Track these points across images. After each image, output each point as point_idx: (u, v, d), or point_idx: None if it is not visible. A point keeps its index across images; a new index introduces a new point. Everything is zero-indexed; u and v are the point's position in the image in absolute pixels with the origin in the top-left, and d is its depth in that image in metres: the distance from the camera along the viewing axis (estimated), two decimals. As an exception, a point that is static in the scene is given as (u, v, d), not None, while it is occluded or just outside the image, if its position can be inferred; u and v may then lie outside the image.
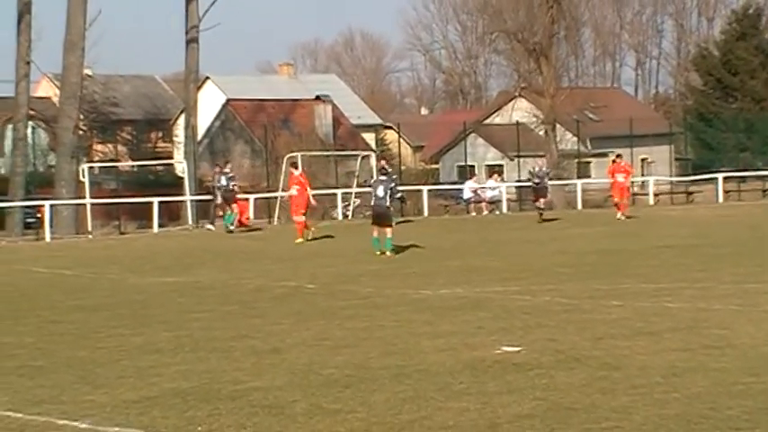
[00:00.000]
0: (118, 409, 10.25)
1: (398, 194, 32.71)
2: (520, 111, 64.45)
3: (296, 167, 38.32)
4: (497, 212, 47.90)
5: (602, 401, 9.98)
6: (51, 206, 40.94)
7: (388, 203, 26.42)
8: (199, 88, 57.40)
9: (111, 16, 69.42)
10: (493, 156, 72.50)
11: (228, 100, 72.30)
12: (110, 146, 73.36)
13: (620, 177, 39.81)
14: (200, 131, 61.84)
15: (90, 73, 62.39)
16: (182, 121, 61.09)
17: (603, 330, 14.10)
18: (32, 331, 15.86)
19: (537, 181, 39.22)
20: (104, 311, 18.07)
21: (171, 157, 68.54)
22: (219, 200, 38.79)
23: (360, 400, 10.37)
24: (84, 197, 42.34)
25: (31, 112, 49.88)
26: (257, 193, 46.91)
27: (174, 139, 73.44)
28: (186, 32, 49.31)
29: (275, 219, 45.73)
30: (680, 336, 13.51)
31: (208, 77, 77.92)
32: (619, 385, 10.65)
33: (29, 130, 47.84)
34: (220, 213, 39.74)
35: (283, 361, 12.64)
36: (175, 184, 50.94)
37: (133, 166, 65.32)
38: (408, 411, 9.83)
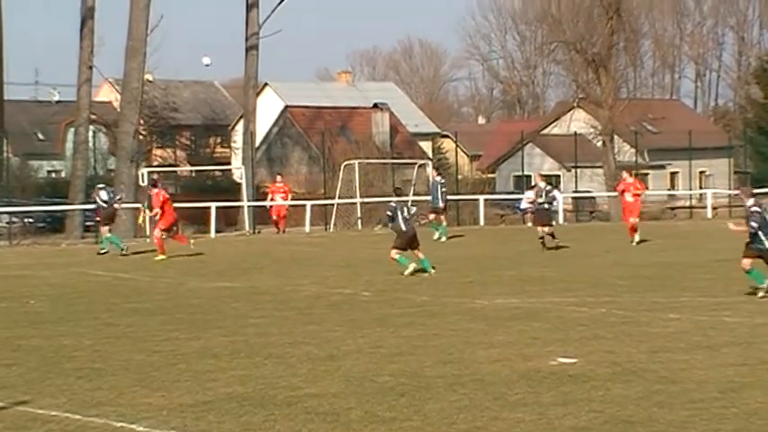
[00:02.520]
0: (174, 413, 10.31)
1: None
2: (578, 121, 64.14)
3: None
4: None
5: (659, 415, 9.91)
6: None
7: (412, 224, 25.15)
8: (258, 94, 57.64)
9: (173, 22, 70.29)
10: (549, 166, 72.20)
11: (287, 106, 72.57)
12: (169, 151, 73.88)
13: (628, 197, 33.87)
14: (258, 137, 62.10)
15: (150, 78, 62.88)
16: (240, 126, 61.37)
17: (660, 344, 14.01)
18: (91, 333, 16.01)
19: (541, 201, 31.86)
20: (161, 315, 18.19)
21: (229, 163, 68.88)
22: None
23: (415, 408, 10.36)
24: (143, 201, 42.62)
25: (93, 117, 50.32)
26: (314, 199, 47.04)
27: (232, 144, 73.80)
28: (246, 39, 49.56)
29: (331, 226, 45.82)
30: (738, 350, 13.38)
31: (267, 84, 78.28)
32: (676, 399, 10.57)
33: (90, 134, 48.21)
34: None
35: (339, 368, 12.66)
36: (233, 190, 51.17)
37: (191, 171, 65.73)
38: (463, 421, 9.81)
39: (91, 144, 48.82)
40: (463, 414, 10.06)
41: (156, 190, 31.12)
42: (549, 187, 32.74)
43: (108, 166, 67.05)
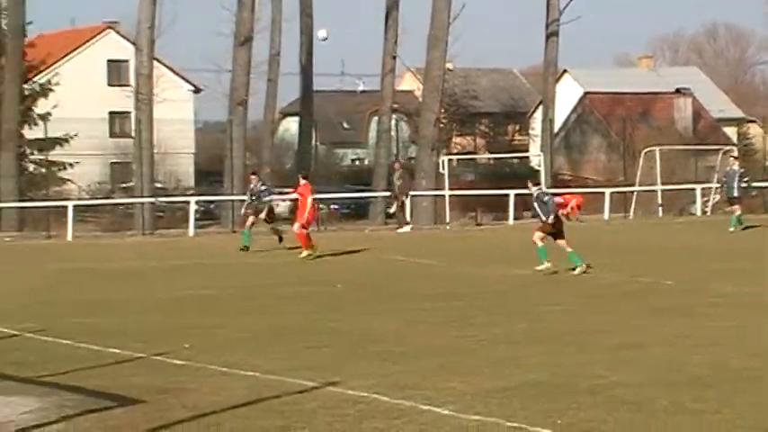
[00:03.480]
0: (478, 398, 10.46)
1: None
2: None
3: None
4: None
5: None
6: (412, 196, 42.10)
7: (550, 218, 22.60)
8: (557, 81, 57.40)
9: (473, 10, 71.07)
10: None
11: (586, 93, 71.97)
12: (468, 138, 74.65)
13: None
14: (557, 124, 61.82)
15: (451, 67, 63.63)
16: (538, 113, 61.32)
17: None
18: (395, 318, 16.40)
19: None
20: (461, 301, 18.44)
21: (527, 150, 68.93)
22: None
23: (724, 400, 10.13)
24: (442, 189, 43.30)
25: (395, 106, 51.40)
26: (614, 187, 46.57)
27: (531, 132, 73.80)
28: (547, 26, 49.44)
29: (631, 213, 45.24)
30: None
31: (565, 71, 77.70)
32: None
33: (392, 123, 49.36)
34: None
35: (642, 357, 12.52)
36: (531, 177, 51.16)
37: (490, 159, 66.18)
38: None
39: (393, 133, 49.92)
40: (774, 410, 9.76)
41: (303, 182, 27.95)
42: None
43: (409, 153, 68.36)
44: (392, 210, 40.42)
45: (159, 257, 26.08)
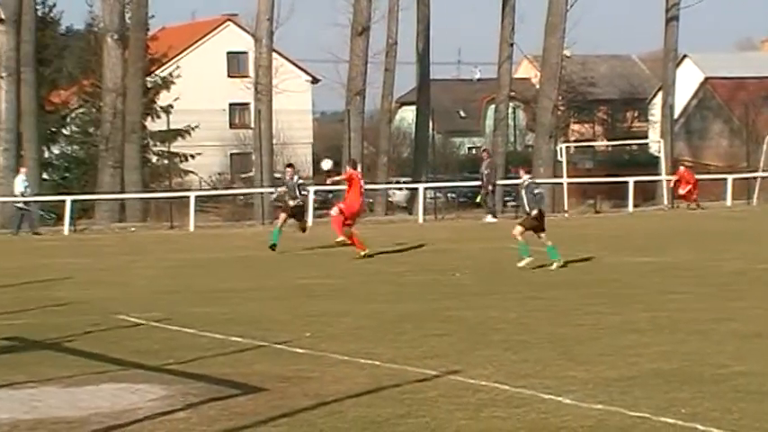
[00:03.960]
0: (599, 387, 10.39)
1: None
2: None
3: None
4: None
5: None
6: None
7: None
8: (677, 66, 56.58)
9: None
10: None
11: (707, 78, 70.82)
12: (586, 126, 74.05)
13: None
14: (677, 110, 60.99)
15: (568, 54, 63.13)
16: (658, 99, 60.50)
17: None
18: (514, 306, 16.36)
19: None
20: (581, 289, 18.32)
21: (646, 137, 68.14)
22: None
23: None
24: (560, 176, 43.04)
25: (512, 93, 51.23)
26: (735, 173, 45.81)
27: (650, 118, 72.94)
28: (666, 11, 48.77)
29: (754, 199, 44.44)
30: None
31: (686, 56, 76.57)
32: None
33: (509, 111, 49.21)
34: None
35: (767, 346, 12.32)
36: (650, 164, 50.62)
37: (608, 146, 65.59)
38: None
39: (510, 121, 49.76)
40: None
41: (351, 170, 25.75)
42: None
43: (526, 141, 68.09)
44: (478, 199, 40.19)
45: (280, 247, 26.31)
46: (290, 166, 28.83)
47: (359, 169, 27.21)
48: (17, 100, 39.99)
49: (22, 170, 38.17)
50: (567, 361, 11.75)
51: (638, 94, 78.90)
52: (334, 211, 25.72)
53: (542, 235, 21.78)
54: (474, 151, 73.60)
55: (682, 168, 45.52)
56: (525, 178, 22.45)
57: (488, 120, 65.08)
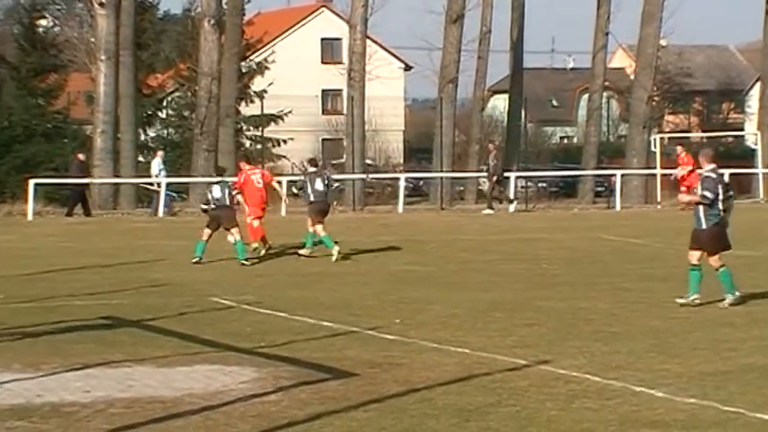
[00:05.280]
0: (693, 381, 10.29)
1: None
2: None
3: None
4: None
5: None
6: (622, 175, 41.55)
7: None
8: (775, 57, 55.58)
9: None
10: None
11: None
12: (681, 116, 73.13)
13: None
14: (775, 102, 59.96)
15: (664, 43, 62.36)
16: (755, 91, 59.51)
17: None
18: (606, 297, 16.26)
19: None
20: (674, 282, 18.07)
21: (742, 129, 67.09)
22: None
23: None
24: (653, 167, 42.58)
25: (606, 83, 50.75)
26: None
27: (747, 110, 71.81)
28: (766, 1, 47.95)
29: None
30: None
31: (781, 45, 75.31)
32: None
33: (603, 101, 48.77)
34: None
35: None
36: (746, 157, 49.86)
37: (703, 137, 64.71)
38: None
39: (603, 111, 49.31)
40: None
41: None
42: None
43: (619, 132, 67.45)
44: (485, 189, 39.73)
45: (369, 233, 26.39)
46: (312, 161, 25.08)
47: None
48: (115, 83, 40.55)
49: (159, 153, 39.58)
50: (659, 354, 11.66)
51: (734, 86, 77.72)
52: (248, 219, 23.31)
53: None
54: (566, 140, 73.18)
55: None
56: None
57: (581, 109, 64.61)
